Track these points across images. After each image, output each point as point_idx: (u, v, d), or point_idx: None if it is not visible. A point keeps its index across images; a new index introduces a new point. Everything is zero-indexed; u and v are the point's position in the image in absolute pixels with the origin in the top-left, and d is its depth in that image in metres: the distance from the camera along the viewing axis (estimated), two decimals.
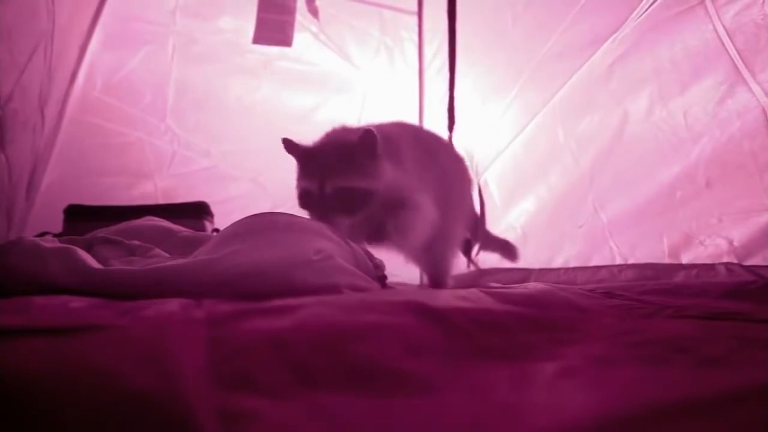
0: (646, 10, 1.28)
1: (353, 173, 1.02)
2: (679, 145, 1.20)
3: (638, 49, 1.31)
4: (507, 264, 1.74)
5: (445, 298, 0.68)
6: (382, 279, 0.96)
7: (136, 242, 0.92)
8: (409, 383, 0.35)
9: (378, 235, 1.06)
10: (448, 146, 1.26)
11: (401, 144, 1.11)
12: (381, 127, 1.09)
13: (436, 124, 1.81)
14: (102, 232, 0.96)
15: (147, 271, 0.75)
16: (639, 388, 0.36)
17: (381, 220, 1.04)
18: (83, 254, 0.79)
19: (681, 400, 0.31)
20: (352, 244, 0.92)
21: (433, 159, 1.19)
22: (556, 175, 1.59)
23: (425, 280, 2.02)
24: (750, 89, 1.04)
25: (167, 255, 0.89)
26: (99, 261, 0.81)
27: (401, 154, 1.09)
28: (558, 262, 1.56)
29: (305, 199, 1.04)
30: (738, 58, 1.06)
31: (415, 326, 0.46)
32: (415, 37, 2.23)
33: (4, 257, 0.77)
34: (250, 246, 0.78)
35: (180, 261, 0.79)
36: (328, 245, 0.83)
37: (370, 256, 0.96)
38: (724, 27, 1.09)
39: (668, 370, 0.39)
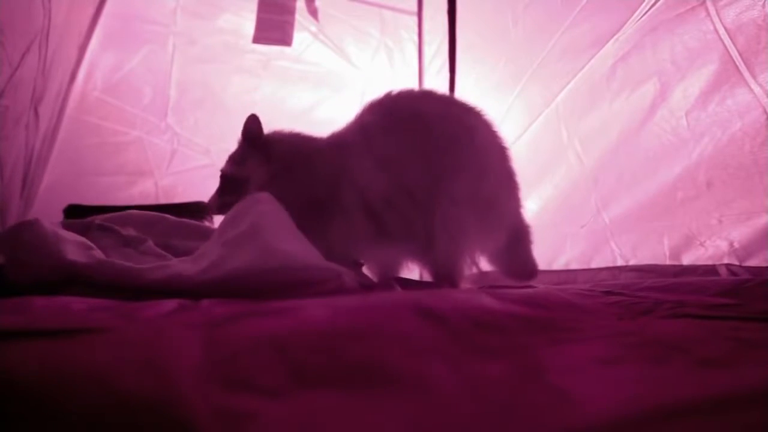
0: (647, 11, 1.28)
1: (231, 159, 1.08)
2: (680, 145, 1.20)
3: (640, 49, 1.31)
4: None
5: (444, 298, 0.68)
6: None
7: (132, 231, 0.94)
8: (408, 384, 0.35)
9: None
10: (475, 128, 1.07)
11: (378, 126, 1.03)
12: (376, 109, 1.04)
13: None
14: (99, 219, 0.98)
15: (162, 276, 0.76)
16: (640, 388, 0.36)
17: None
18: (98, 251, 0.81)
19: (682, 401, 0.31)
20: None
21: (430, 135, 1.02)
22: (560, 175, 1.58)
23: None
24: (751, 90, 1.04)
25: (159, 251, 0.91)
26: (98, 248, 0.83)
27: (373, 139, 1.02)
28: (560, 263, 1.56)
29: None
30: (739, 58, 1.06)
31: (414, 326, 0.46)
32: (415, 38, 2.23)
33: (20, 234, 0.78)
34: (252, 253, 0.78)
35: (188, 267, 0.79)
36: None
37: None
38: (725, 28, 1.09)
39: (669, 371, 0.39)
